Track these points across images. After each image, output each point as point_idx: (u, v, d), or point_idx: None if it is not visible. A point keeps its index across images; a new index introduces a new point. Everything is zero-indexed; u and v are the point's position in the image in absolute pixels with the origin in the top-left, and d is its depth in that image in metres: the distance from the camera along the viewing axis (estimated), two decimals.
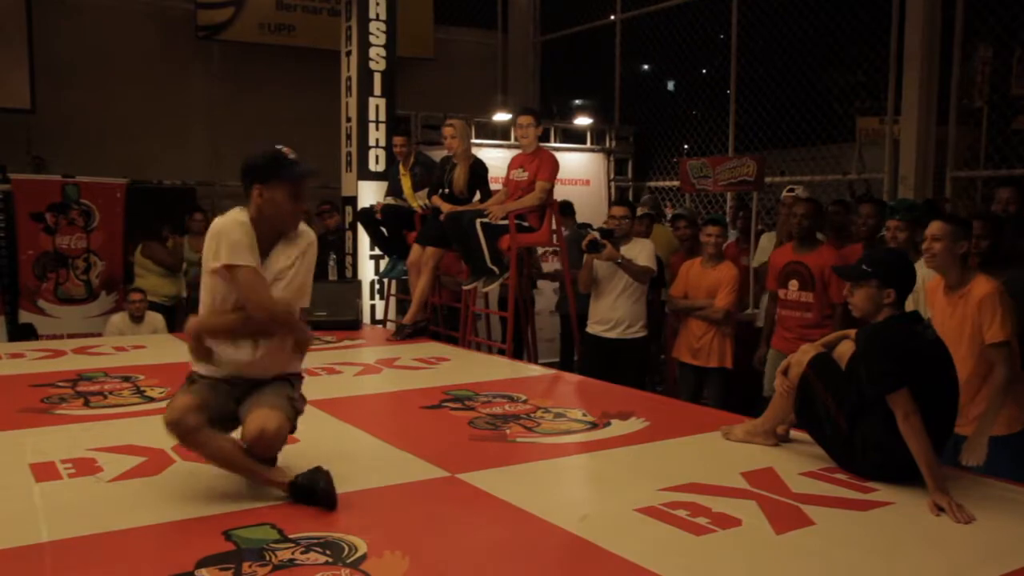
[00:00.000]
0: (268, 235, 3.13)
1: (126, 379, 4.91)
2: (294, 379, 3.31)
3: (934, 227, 3.78)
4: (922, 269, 4.40)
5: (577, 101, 12.35)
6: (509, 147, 8.98)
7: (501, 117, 9.63)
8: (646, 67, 11.49)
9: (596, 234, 5.76)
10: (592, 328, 6.03)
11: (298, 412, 3.20)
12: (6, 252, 7.71)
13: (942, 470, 3.19)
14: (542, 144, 6.53)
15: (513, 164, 6.46)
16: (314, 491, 2.94)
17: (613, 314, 5.89)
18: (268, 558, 2.50)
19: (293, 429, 3.17)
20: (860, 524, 2.86)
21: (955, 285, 3.78)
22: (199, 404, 2.98)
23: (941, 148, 7.15)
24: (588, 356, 6.09)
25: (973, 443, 3.61)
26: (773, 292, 5.55)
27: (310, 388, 4.73)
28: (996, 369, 3.62)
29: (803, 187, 6.48)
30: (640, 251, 5.87)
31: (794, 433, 3.72)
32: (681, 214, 7.46)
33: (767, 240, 6.62)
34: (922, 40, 7.10)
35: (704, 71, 10.30)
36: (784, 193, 6.16)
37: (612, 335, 5.89)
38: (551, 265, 7.55)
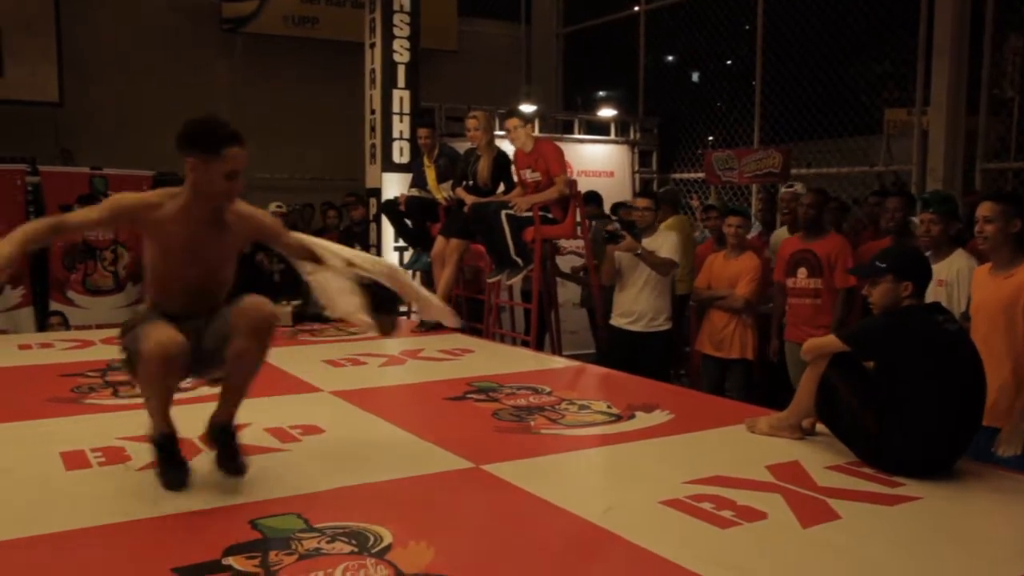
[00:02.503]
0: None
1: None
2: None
3: (985, 207, 3.72)
4: (959, 260, 4.37)
5: (601, 93, 12.30)
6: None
7: (526, 109, 9.60)
8: (670, 58, 11.42)
9: (616, 225, 5.75)
10: (616, 320, 6.02)
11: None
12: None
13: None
14: (545, 135, 6.51)
15: (520, 164, 6.43)
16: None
17: (636, 307, 5.87)
18: (294, 547, 2.52)
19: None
20: (887, 519, 2.83)
21: (1004, 265, 3.69)
22: (182, 340, 2.92)
23: (970, 139, 7.06)
24: (612, 348, 6.08)
25: (1010, 433, 3.54)
26: (780, 284, 5.57)
27: (336, 379, 4.80)
28: None
29: (801, 184, 6.41)
30: (663, 243, 5.84)
31: (819, 427, 3.69)
32: (712, 205, 7.42)
33: (776, 237, 6.51)
34: (952, 30, 7.01)
35: (729, 62, 10.23)
36: (783, 189, 6.13)
37: (636, 328, 5.88)
38: (567, 262, 7.51)
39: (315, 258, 3.38)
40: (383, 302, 3.40)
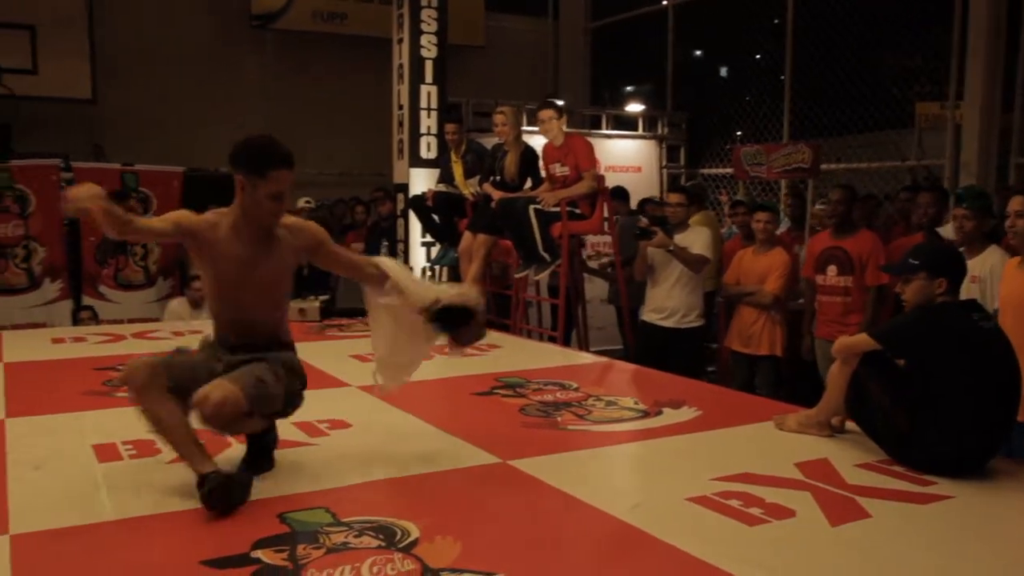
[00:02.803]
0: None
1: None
2: (283, 353, 3.21)
3: (1017, 202, 3.71)
4: (993, 256, 4.32)
5: (628, 88, 12.25)
6: None
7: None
8: (698, 53, 11.35)
9: (646, 220, 5.73)
10: (648, 316, 6.00)
11: (269, 393, 2.98)
12: (70, 239, 7.90)
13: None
14: (575, 130, 6.47)
15: (548, 158, 6.42)
16: (210, 492, 2.76)
17: (668, 303, 5.86)
18: (322, 541, 2.54)
19: (268, 411, 3.04)
20: (918, 518, 2.80)
21: None
22: (161, 364, 2.93)
23: (1005, 135, 6.98)
24: (644, 344, 6.06)
25: None
26: (810, 280, 5.52)
27: (364, 374, 4.81)
28: None
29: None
30: (696, 239, 5.82)
31: (849, 424, 3.66)
32: (741, 201, 7.38)
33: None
34: (988, 25, 6.92)
35: (758, 56, 10.14)
36: (817, 206, 6.10)
37: (668, 324, 5.86)
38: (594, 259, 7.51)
39: (370, 280, 3.37)
40: (452, 318, 3.29)
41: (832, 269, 5.34)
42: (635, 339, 6.30)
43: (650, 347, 5.93)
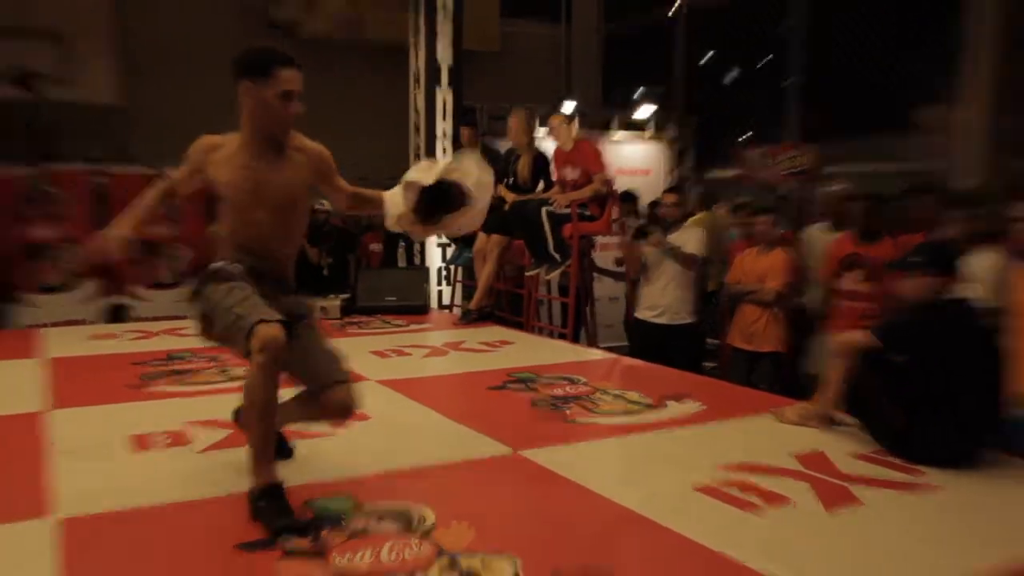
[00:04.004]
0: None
1: (212, 359, 5.11)
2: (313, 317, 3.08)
3: (1022, 208, 3.73)
4: (989, 257, 4.35)
5: (639, 91, 12.28)
6: None
7: (568, 106, 9.63)
8: (707, 57, 11.36)
9: (644, 221, 5.78)
10: (642, 314, 6.05)
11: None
12: None
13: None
14: (585, 134, 6.51)
15: (558, 162, 6.46)
16: (261, 510, 2.65)
17: (662, 300, 5.91)
18: (345, 526, 2.62)
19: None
20: (908, 506, 2.87)
21: None
22: (284, 341, 2.63)
23: (1004, 138, 6.98)
24: (640, 341, 6.11)
25: None
26: (827, 282, 5.46)
27: (383, 369, 4.92)
28: None
29: (845, 182, 6.33)
30: (689, 238, 5.87)
31: (846, 418, 3.72)
32: (742, 204, 7.40)
33: (812, 235, 6.39)
34: (987, 30, 6.93)
35: (765, 60, 10.15)
36: (828, 189, 6.04)
37: (661, 321, 5.91)
38: (605, 256, 7.55)
39: (369, 204, 3.22)
40: (439, 199, 3.05)
41: (855, 274, 5.25)
42: (631, 336, 6.34)
43: (646, 345, 5.98)
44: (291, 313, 2.83)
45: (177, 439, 3.50)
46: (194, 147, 3.00)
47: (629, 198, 7.53)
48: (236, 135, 2.95)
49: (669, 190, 6.92)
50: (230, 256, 2.93)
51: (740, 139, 9.84)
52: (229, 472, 3.09)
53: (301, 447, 3.33)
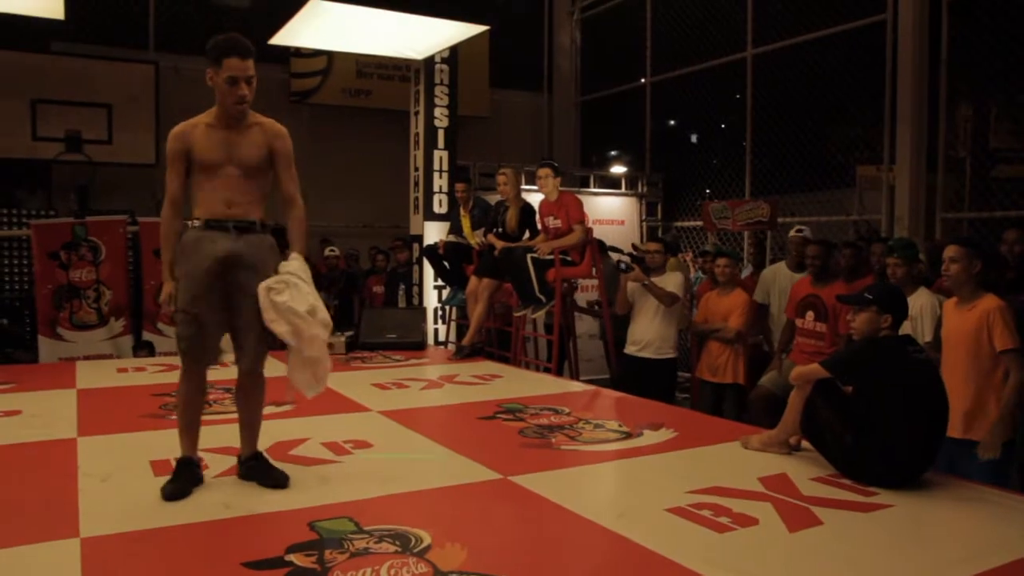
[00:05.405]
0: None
1: (227, 390, 4.99)
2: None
3: (951, 250, 3.75)
4: (922, 297, 4.34)
5: (612, 152, 12.35)
6: None
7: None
8: (672, 122, 11.45)
9: (627, 258, 5.75)
10: (628, 349, 5.98)
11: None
12: (134, 283, 7.93)
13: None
14: (567, 189, 6.51)
15: (543, 212, 6.42)
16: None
17: (646, 335, 5.84)
18: (346, 547, 2.52)
19: None
20: (863, 524, 2.79)
21: (967, 299, 3.72)
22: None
23: (931, 193, 7.06)
24: (625, 375, 6.04)
25: (990, 440, 3.53)
26: (791, 320, 5.40)
27: (384, 401, 4.82)
28: (1012, 374, 3.54)
29: (807, 228, 6.36)
30: (669, 281, 5.85)
31: (804, 444, 3.65)
32: (707, 250, 7.40)
33: (770, 272, 6.35)
34: (912, 99, 7.05)
35: (723, 125, 10.24)
36: (792, 233, 6.07)
37: (644, 355, 5.84)
38: (587, 296, 7.51)
39: (285, 204, 3.23)
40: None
41: (810, 315, 5.21)
42: (617, 369, 6.27)
43: (627, 376, 5.91)
44: (242, 254, 3.03)
45: None
46: (171, 140, 3.10)
47: (603, 248, 7.49)
48: (202, 116, 3.13)
49: (652, 239, 6.91)
50: (200, 215, 3.09)
51: (704, 193, 9.87)
52: (239, 496, 3.02)
53: (306, 473, 3.24)
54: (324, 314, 3.05)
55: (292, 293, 2.99)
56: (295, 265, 3.10)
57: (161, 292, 3.12)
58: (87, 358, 7.09)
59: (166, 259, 3.10)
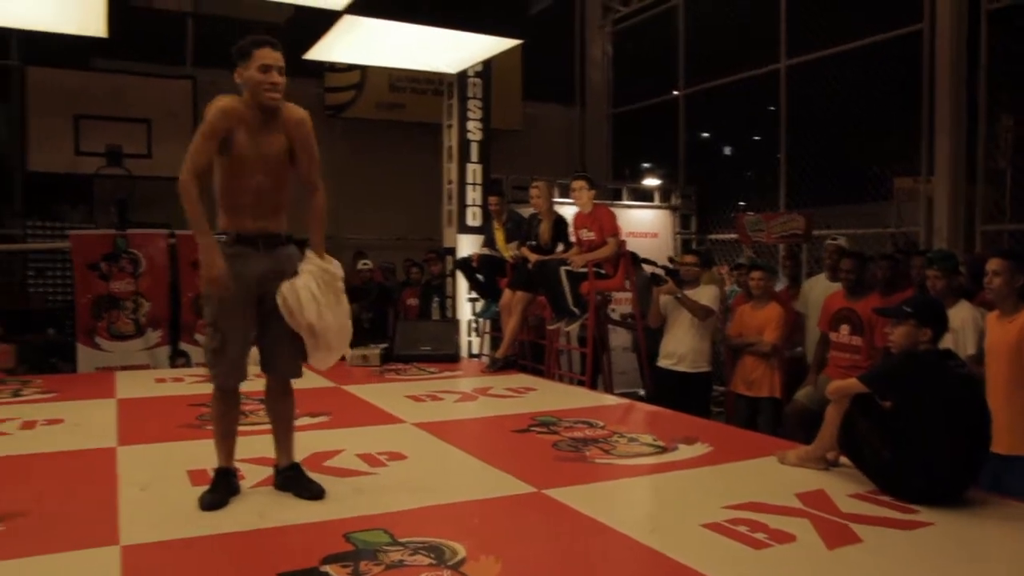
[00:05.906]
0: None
1: (262, 401, 5.02)
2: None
3: (994, 263, 3.70)
4: (963, 311, 4.27)
5: (645, 164, 12.31)
6: None
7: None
8: (706, 134, 11.39)
9: (660, 270, 5.72)
10: (662, 362, 5.95)
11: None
12: (172, 294, 8.06)
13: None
14: (601, 202, 6.50)
15: (577, 224, 6.41)
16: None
17: (680, 349, 5.80)
18: (381, 558, 2.53)
19: None
20: (904, 542, 2.74)
21: (1009, 312, 3.67)
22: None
23: (970, 205, 6.94)
24: (658, 387, 6.00)
25: None
26: (824, 334, 5.33)
27: (418, 413, 4.84)
28: None
29: (844, 238, 6.28)
30: (703, 294, 5.81)
31: (843, 459, 3.59)
32: (742, 263, 7.33)
33: (808, 285, 6.30)
34: (951, 110, 6.94)
35: (757, 138, 10.17)
36: (828, 241, 6.01)
37: (679, 369, 5.80)
38: (621, 308, 7.49)
39: (304, 185, 3.20)
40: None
41: (845, 328, 5.12)
42: (651, 383, 6.24)
43: (663, 390, 5.86)
44: (274, 271, 3.06)
45: None
46: (217, 112, 3.00)
47: (636, 260, 7.46)
48: (240, 103, 3.05)
49: (688, 252, 6.88)
50: (229, 226, 3.08)
51: (738, 206, 9.79)
52: (275, 506, 3.05)
53: (341, 484, 3.27)
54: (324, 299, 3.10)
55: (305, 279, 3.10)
56: (309, 267, 3.14)
57: (202, 267, 2.98)
58: (124, 368, 7.21)
59: (203, 226, 2.99)
